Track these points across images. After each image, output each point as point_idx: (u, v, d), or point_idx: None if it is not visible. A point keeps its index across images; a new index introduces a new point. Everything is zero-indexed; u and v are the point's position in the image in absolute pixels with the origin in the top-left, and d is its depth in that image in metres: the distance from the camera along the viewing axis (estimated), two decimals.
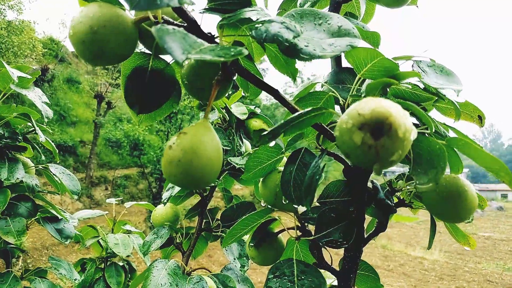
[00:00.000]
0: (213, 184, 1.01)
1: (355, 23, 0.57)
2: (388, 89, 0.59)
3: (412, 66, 0.50)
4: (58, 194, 1.15)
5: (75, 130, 15.88)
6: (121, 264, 1.50)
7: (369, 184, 0.72)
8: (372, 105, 0.36)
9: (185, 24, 0.49)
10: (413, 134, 0.37)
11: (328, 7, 0.77)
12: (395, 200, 0.74)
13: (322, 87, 0.73)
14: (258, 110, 1.11)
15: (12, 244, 1.05)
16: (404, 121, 0.36)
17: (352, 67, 0.52)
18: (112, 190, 14.67)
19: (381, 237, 13.95)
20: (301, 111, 0.47)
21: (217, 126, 1.09)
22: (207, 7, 0.54)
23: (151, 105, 0.57)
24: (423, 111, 0.44)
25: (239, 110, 1.03)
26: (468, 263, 10.62)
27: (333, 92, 0.62)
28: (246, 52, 0.35)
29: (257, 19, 0.46)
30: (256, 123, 1.06)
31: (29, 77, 0.99)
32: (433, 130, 0.43)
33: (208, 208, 1.09)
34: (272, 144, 0.63)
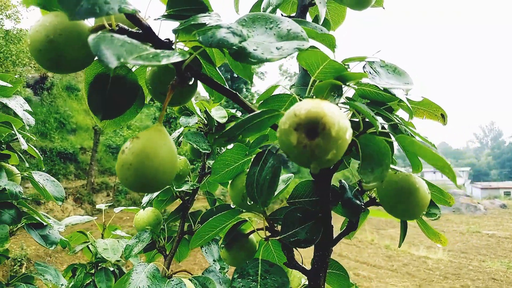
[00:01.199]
0: (192, 188, 1.02)
1: (312, 26, 0.58)
2: (354, 91, 0.60)
3: (364, 67, 0.51)
4: (42, 201, 1.16)
5: (75, 137, 15.93)
6: (111, 269, 1.50)
7: (338, 184, 0.73)
8: (308, 106, 0.37)
9: (140, 31, 0.51)
10: (349, 133, 0.38)
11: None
12: (366, 199, 0.75)
13: (290, 89, 0.74)
14: (238, 114, 1.12)
15: None
16: (338, 120, 0.37)
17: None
18: (114, 196, 14.71)
19: (384, 237, 13.88)
20: (252, 113, 0.48)
21: (198, 130, 1.10)
22: (165, 13, 0.55)
23: (114, 111, 0.58)
24: (368, 110, 0.45)
25: (218, 114, 1.04)
26: (472, 262, 10.57)
27: (296, 94, 0.63)
28: (176, 59, 0.36)
29: (207, 24, 0.47)
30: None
31: (9, 85, 1.01)
32: (379, 129, 0.44)
33: (191, 211, 1.10)
34: (230, 146, 0.64)
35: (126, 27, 0.51)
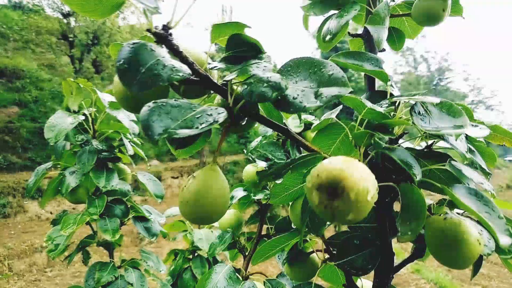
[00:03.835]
0: (268, 196, 1.08)
1: (368, 57, 0.57)
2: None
3: (412, 107, 0.49)
4: (145, 197, 1.35)
5: None
6: (206, 256, 1.67)
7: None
8: (330, 167, 0.39)
9: (199, 79, 0.57)
10: (371, 195, 0.38)
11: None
12: None
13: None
14: (316, 122, 1.13)
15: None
16: (358, 183, 0.38)
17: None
18: (224, 175, 15.78)
19: None
20: (295, 158, 0.51)
21: (276, 139, 1.14)
22: (224, 56, 0.61)
23: (185, 143, 0.66)
24: (410, 159, 0.44)
25: (294, 123, 1.07)
26: None
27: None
28: (219, 118, 0.41)
29: (253, 75, 0.51)
30: (313, 134, 1.09)
31: None
32: (417, 179, 0.43)
33: (268, 215, 1.17)
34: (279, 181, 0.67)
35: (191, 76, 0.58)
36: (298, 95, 0.49)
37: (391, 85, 0.59)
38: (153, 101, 0.44)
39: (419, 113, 0.49)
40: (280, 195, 0.71)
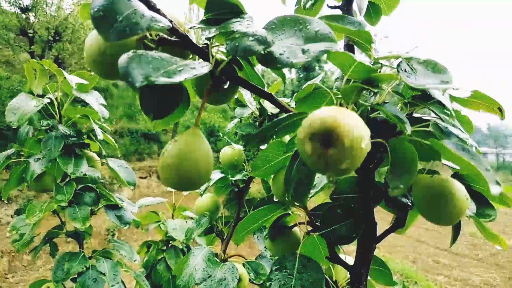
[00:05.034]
0: (247, 177, 1.07)
1: (350, 21, 0.56)
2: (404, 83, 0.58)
3: (399, 64, 0.49)
4: (117, 184, 1.30)
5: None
6: (180, 247, 1.63)
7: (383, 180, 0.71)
8: (323, 116, 0.38)
9: (179, 40, 0.54)
10: (365, 143, 0.37)
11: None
12: None
13: (335, 81, 0.73)
14: (292, 104, 1.12)
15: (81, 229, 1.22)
16: (352, 130, 0.37)
17: None
18: None
19: (468, 224, 12.80)
20: (281, 117, 0.49)
21: (252, 121, 1.13)
22: (203, 19, 0.58)
23: (163, 112, 0.63)
24: (396, 113, 0.43)
25: (270, 105, 1.06)
26: None
27: (337, 89, 0.62)
28: (202, 71, 0.39)
29: (236, 31, 0.49)
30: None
31: (86, 82, 1.13)
32: (408, 132, 0.42)
33: (246, 198, 1.15)
34: (263, 146, 0.65)
35: (166, 36, 0.55)
36: (284, 51, 0.47)
37: (374, 49, 0.59)
38: (132, 50, 0.41)
39: (405, 70, 0.49)
40: (262, 167, 0.69)
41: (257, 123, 1.11)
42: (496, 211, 0.63)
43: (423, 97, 0.56)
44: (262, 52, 0.45)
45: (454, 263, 8.85)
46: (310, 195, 0.60)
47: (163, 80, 0.38)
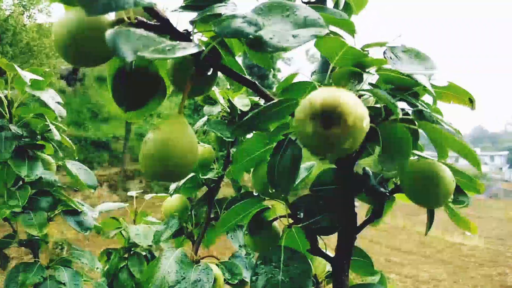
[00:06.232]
0: (218, 176, 1.04)
1: (331, 12, 0.57)
2: (379, 77, 0.59)
3: (385, 52, 0.49)
4: (77, 189, 1.22)
5: (108, 126, 16.45)
6: (143, 253, 1.56)
7: (361, 171, 0.72)
8: (323, 95, 0.37)
9: (158, 24, 0.51)
10: (366, 122, 0.37)
11: None
12: (392, 186, 0.73)
13: (312, 75, 0.73)
14: (262, 102, 1.12)
15: (38, 236, 1.13)
16: (354, 109, 0.36)
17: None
18: (147, 183, 15.16)
19: (416, 223, 13.56)
20: (271, 103, 0.48)
21: (222, 118, 1.11)
22: (183, 5, 0.56)
23: (138, 103, 0.60)
24: (388, 97, 0.44)
25: (241, 102, 1.05)
26: (510, 249, 10.19)
27: (317, 81, 0.62)
28: (192, 50, 0.36)
29: (223, 14, 0.47)
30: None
31: (41, 79, 1.05)
32: (399, 116, 0.43)
33: (217, 198, 1.12)
34: (249, 135, 0.64)
35: (144, 19, 0.52)
36: (274, 35, 0.46)
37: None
38: (117, 26, 0.38)
39: (390, 58, 0.50)
40: (242, 160, 0.67)
41: (226, 121, 1.09)
42: (468, 198, 0.66)
43: (400, 89, 0.58)
44: (254, 33, 0.44)
45: (404, 261, 9.29)
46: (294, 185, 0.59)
47: (156, 56, 0.35)
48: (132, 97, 0.59)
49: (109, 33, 0.36)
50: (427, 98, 0.66)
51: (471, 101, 0.64)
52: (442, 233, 11.76)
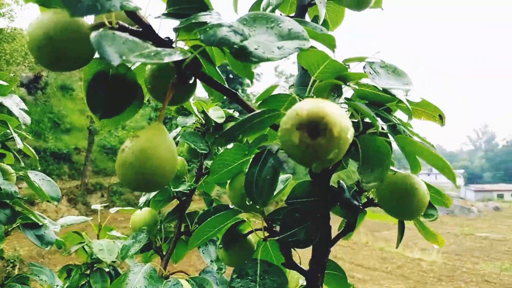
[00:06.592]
0: (190, 188, 1.02)
1: (312, 26, 0.58)
2: (354, 92, 0.60)
3: (364, 67, 0.51)
4: (36, 201, 1.15)
5: (70, 137, 15.84)
6: (107, 270, 1.49)
7: (336, 184, 0.73)
8: (310, 106, 0.37)
9: (141, 29, 0.50)
10: (350, 133, 0.38)
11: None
12: (364, 200, 0.75)
13: (289, 89, 0.74)
14: (236, 114, 1.12)
15: None
16: (340, 120, 0.37)
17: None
18: (108, 197, 14.63)
19: (378, 239, 13.91)
20: (253, 113, 0.48)
21: (196, 130, 1.09)
22: (165, 12, 0.55)
23: (113, 110, 0.58)
24: (368, 110, 0.45)
25: (216, 114, 1.04)
26: (466, 264, 10.63)
27: (296, 94, 0.63)
28: (177, 57, 0.36)
29: (209, 23, 0.47)
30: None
31: (5, 84, 1.00)
32: (379, 129, 0.44)
33: (187, 212, 1.10)
34: (229, 146, 0.64)
35: (126, 25, 0.51)
36: (259, 46, 0.46)
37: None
38: (102, 29, 0.37)
39: (370, 73, 0.51)
40: (219, 171, 0.67)
41: (199, 133, 1.08)
42: (437, 211, 0.69)
43: (373, 104, 0.60)
44: (239, 43, 0.44)
45: (367, 276, 9.44)
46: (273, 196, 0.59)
47: (143, 60, 0.34)
48: (109, 104, 0.57)
49: (94, 35, 0.34)
50: (399, 114, 0.69)
51: (441, 118, 0.67)
52: (402, 249, 12.10)
